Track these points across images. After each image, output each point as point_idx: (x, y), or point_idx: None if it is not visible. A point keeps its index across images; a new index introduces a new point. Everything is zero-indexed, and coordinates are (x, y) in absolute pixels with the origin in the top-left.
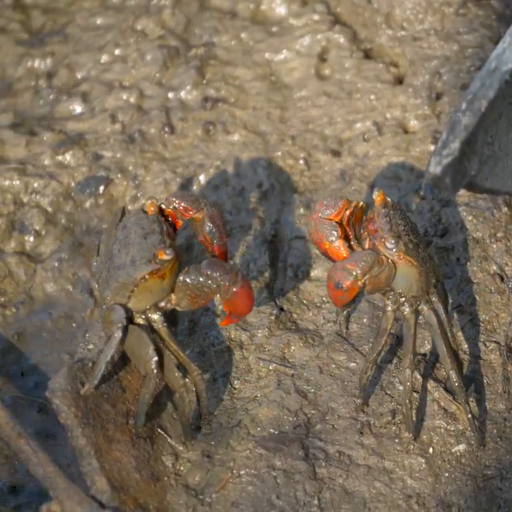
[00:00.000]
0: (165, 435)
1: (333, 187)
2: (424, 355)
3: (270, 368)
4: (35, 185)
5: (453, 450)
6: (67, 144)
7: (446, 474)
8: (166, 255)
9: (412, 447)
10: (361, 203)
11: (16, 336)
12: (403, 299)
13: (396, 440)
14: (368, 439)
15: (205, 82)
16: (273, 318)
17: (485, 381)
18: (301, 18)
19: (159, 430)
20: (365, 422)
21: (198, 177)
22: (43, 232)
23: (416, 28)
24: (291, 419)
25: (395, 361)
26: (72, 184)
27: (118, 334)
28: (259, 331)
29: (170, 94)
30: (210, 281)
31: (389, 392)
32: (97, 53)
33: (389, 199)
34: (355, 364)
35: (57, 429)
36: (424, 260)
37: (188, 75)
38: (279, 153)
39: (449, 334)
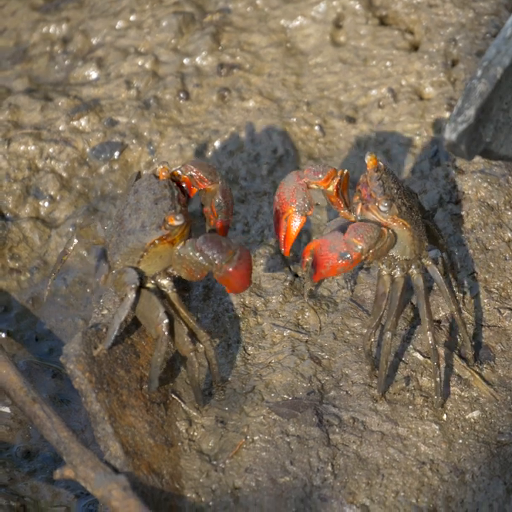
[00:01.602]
0: (179, 400)
1: (348, 153)
2: (439, 321)
3: (284, 334)
4: (50, 150)
5: (467, 417)
6: (82, 109)
7: (460, 441)
8: (176, 221)
9: (426, 414)
10: (346, 171)
11: (31, 301)
12: (395, 262)
13: (410, 406)
14: (381, 406)
15: (220, 48)
16: (287, 284)
17: (499, 348)
18: None
19: (173, 395)
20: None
21: (213, 143)
22: (58, 198)
23: None
24: (305, 385)
25: (409, 328)
26: (87, 150)
27: (131, 295)
28: (274, 297)
29: (185, 61)
30: (202, 258)
31: (403, 359)
32: (112, 19)
33: (381, 163)
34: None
35: (71, 395)
36: (417, 223)
37: (203, 42)
38: (294, 120)
39: (450, 297)
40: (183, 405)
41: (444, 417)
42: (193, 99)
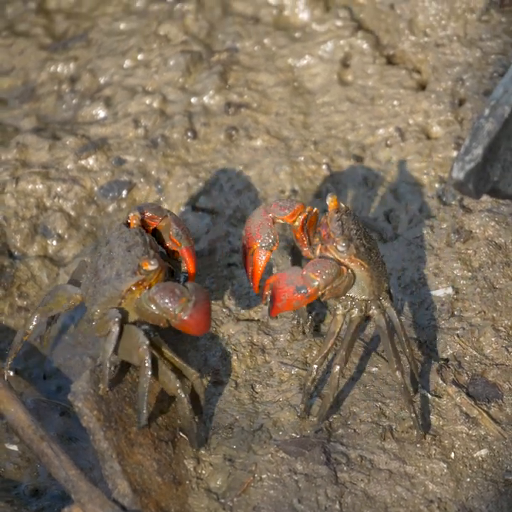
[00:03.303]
0: (186, 439)
1: (356, 192)
2: (446, 360)
3: (292, 372)
4: (58, 189)
5: (475, 455)
6: (90, 148)
7: (468, 479)
8: (150, 265)
9: (434, 452)
10: (315, 209)
11: (39, 339)
12: (353, 302)
13: (417, 445)
14: (389, 444)
15: (227, 87)
16: (295, 322)
17: (507, 386)
18: (324, 23)
19: (181, 434)
20: (387, 426)
21: (221, 182)
22: (66, 236)
23: (439, 34)
24: (312, 423)
25: (418, 366)
26: (95, 188)
27: (115, 329)
28: (281, 336)
29: (193, 99)
30: (155, 308)
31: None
32: (120, 58)
33: (342, 205)
34: (377, 369)
35: (79, 433)
36: (376, 264)
37: (210, 80)
38: (302, 159)
39: (403, 338)
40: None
41: (452, 455)
42: (201, 138)
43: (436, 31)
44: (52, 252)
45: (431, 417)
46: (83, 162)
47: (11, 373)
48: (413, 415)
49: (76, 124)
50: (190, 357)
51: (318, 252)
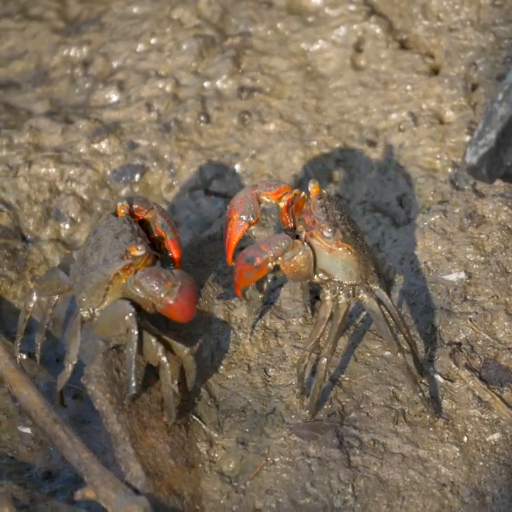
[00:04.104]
0: (199, 422)
1: (369, 177)
2: (459, 344)
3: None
4: (71, 172)
5: (487, 439)
6: (102, 132)
7: (481, 463)
8: (137, 251)
9: (447, 436)
10: (303, 193)
11: (52, 322)
12: (341, 287)
13: (430, 428)
14: (402, 428)
15: (240, 71)
16: (308, 306)
17: None
18: (337, 8)
19: (193, 417)
20: (400, 410)
21: (234, 166)
22: (79, 220)
23: (452, 18)
24: (325, 406)
25: (430, 350)
26: (108, 172)
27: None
28: (294, 320)
29: (206, 84)
30: (140, 291)
31: (423, 381)
32: (133, 42)
33: (324, 191)
34: (389, 353)
35: (92, 415)
36: (362, 248)
37: (223, 65)
38: (315, 143)
39: (398, 319)
40: (203, 426)
41: (465, 439)
42: (214, 122)
43: (450, 16)
44: (65, 235)
45: (443, 400)
46: (96, 146)
47: (24, 356)
48: (420, 394)
49: (89, 108)
50: (203, 340)
51: (303, 238)
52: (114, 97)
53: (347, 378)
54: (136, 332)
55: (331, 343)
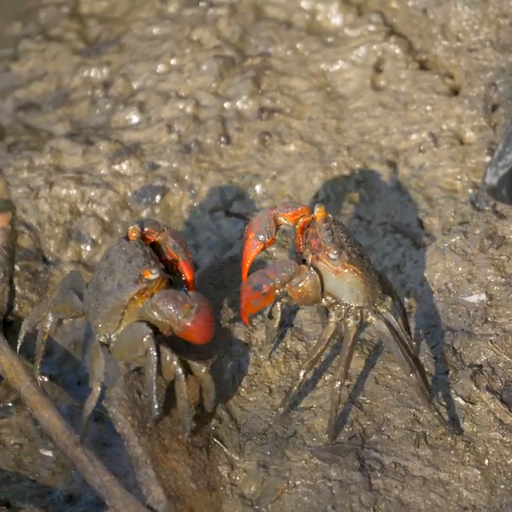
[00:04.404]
0: (221, 445)
1: (389, 198)
2: (480, 366)
3: (326, 378)
4: (92, 194)
5: (509, 462)
6: (123, 153)
7: (502, 486)
8: (151, 274)
9: (468, 459)
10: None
11: (73, 345)
12: (348, 310)
13: (452, 451)
14: (423, 450)
15: (260, 92)
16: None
17: None
18: (357, 28)
19: (215, 440)
20: (421, 433)
21: (254, 187)
22: (100, 242)
23: (471, 39)
24: (346, 429)
25: (451, 372)
26: (129, 193)
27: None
28: (315, 342)
29: (226, 104)
30: (157, 315)
31: (444, 404)
32: (153, 63)
33: (330, 215)
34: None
35: (113, 439)
36: (368, 270)
37: (243, 85)
38: (335, 164)
39: (406, 342)
40: (225, 449)
41: (486, 462)
42: (234, 143)
43: (469, 36)
44: (86, 257)
45: (464, 423)
46: (116, 167)
47: (46, 379)
48: (435, 413)
49: (109, 129)
50: (224, 363)
51: (309, 262)
52: (134, 118)
53: (368, 401)
54: (155, 353)
55: (343, 366)
